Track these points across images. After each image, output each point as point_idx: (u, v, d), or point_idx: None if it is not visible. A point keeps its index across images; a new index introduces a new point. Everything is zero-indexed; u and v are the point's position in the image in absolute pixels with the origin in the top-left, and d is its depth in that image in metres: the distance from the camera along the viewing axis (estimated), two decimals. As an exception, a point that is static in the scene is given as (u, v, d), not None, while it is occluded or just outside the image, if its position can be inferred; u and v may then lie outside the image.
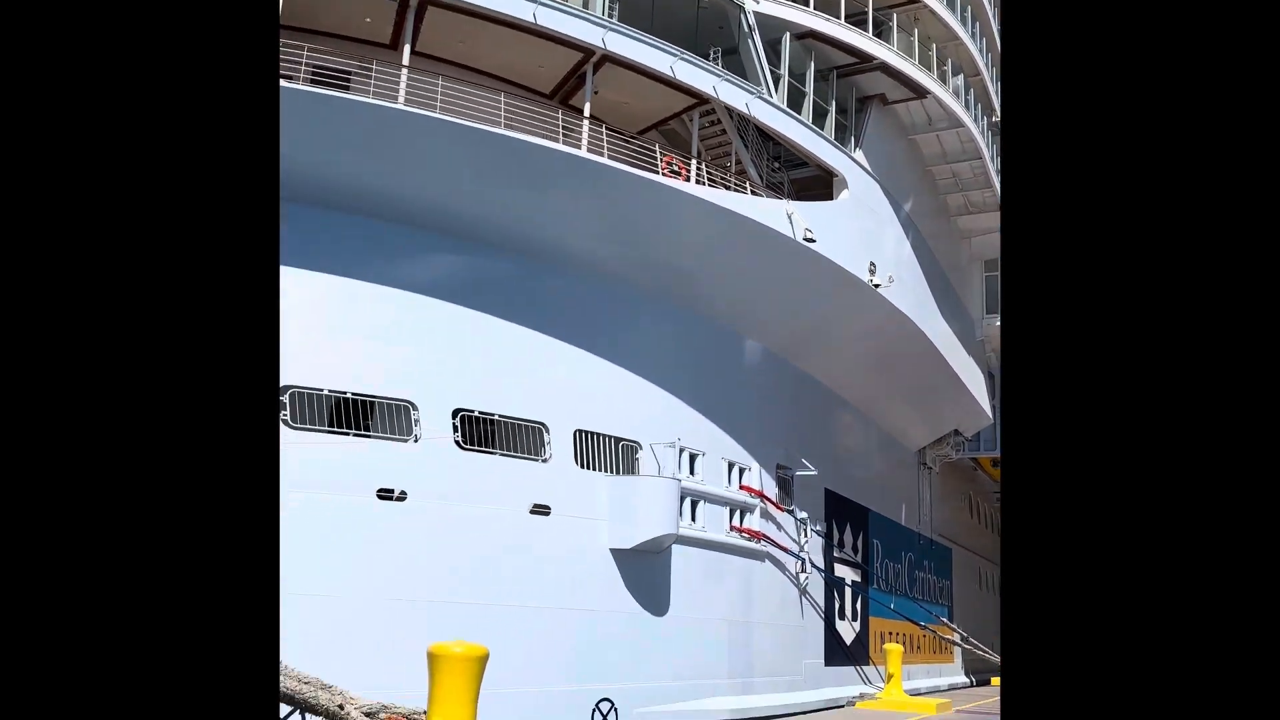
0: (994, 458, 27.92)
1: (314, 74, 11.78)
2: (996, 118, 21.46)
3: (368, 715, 5.59)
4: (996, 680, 25.76)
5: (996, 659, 25.39)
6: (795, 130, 15.16)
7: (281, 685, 5.90)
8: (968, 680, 26.67)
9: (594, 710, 11.59)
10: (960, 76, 19.44)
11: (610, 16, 13.24)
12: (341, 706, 5.62)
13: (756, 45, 14.73)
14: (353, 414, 11.33)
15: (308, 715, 5.90)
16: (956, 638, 24.35)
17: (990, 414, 24.81)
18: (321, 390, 11.25)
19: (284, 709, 6.16)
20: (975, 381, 23.58)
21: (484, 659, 5.55)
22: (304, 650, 6.87)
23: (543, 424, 12.51)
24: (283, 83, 10.85)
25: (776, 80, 15.20)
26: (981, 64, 20.23)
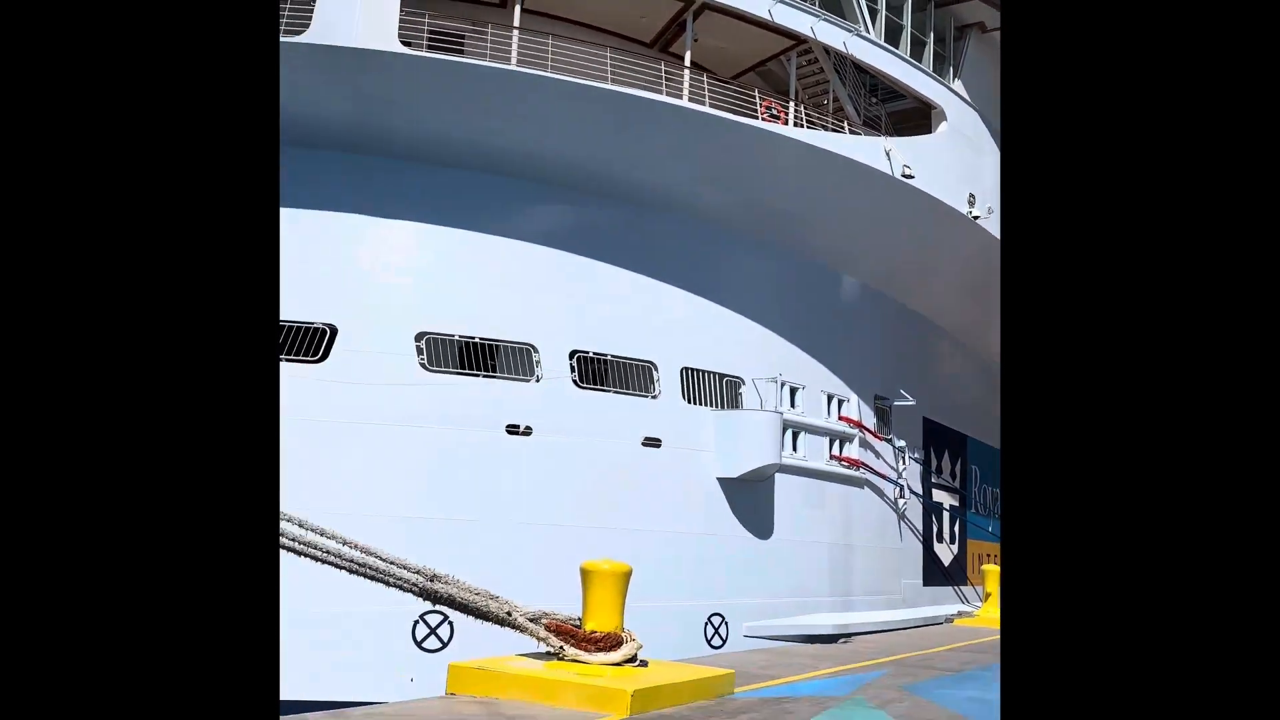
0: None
1: (430, 37, 12.54)
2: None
3: (531, 620, 6.61)
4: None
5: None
6: (893, 65, 15.26)
7: (455, 595, 7.00)
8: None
9: (706, 623, 12.64)
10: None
11: (708, -36, 13.54)
12: (509, 613, 6.65)
13: (854, -17, 14.79)
14: (480, 356, 12.39)
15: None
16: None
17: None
18: (452, 335, 12.32)
19: (455, 614, 7.28)
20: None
21: (629, 574, 6.49)
22: (462, 566, 7.98)
23: (652, 363, 13.35)
24: (405, 49, 11.67)
25: (874, 15, 15.26)
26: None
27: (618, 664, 6.25)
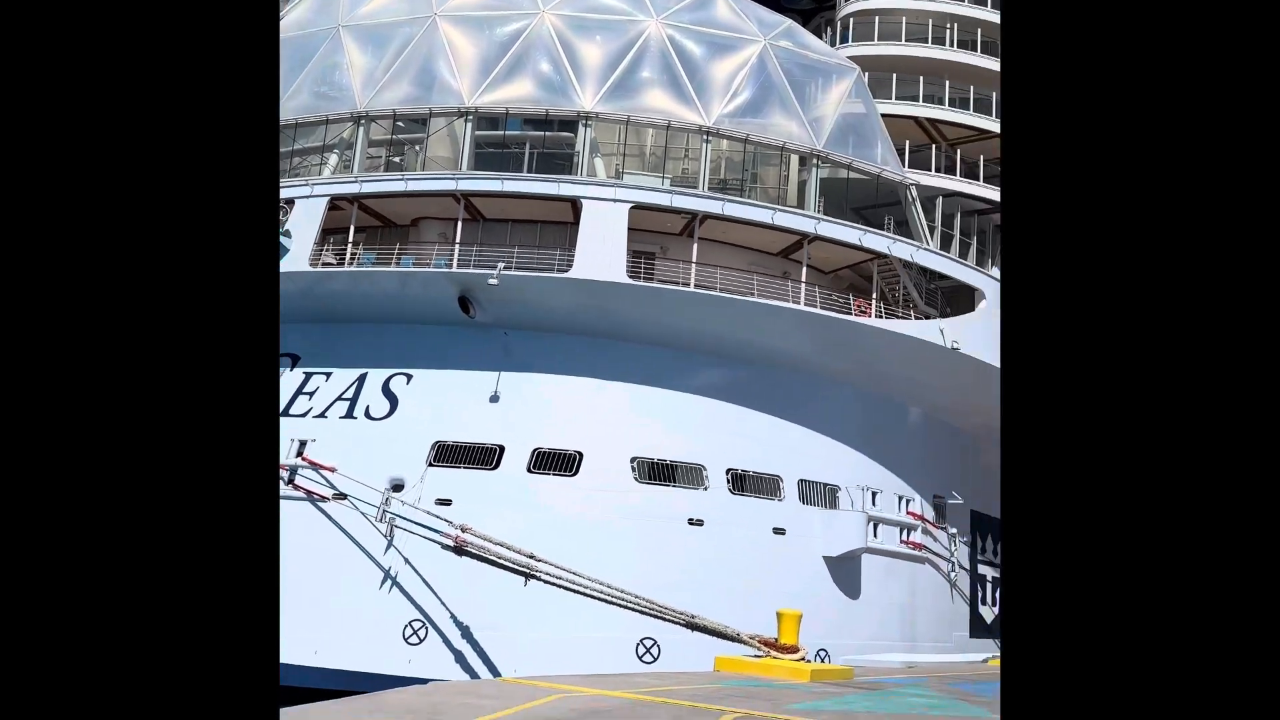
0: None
1: (632, 256, 19.47)
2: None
3: (750, 637, 13.09)
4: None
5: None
6: (945, 265, 21.81)
7: (708, 625, 13.59)
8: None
9: (817, 654, 18.90)
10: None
11: (819, 209, 20.35)
12: (737, 635, 13.17)
13: (918, 213, 21.45)
14: (669, 472, 19.08)
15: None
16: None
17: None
18: (652, 458, 19.05)
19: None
20: (1100, 419, 29.28)
21: (800, 616, 12.96)
22: (687, 602, 14.51)
23: (779, 476, 19.90)
24: (629, 280, 18.52)
25: (932, 230, 21.86)
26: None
27: (798, 660, 12.71)
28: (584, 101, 19.77)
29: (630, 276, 18.66)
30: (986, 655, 23.24)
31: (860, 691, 11.22)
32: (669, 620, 14.53)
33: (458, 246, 19.15)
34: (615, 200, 18.92)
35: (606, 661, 16.47)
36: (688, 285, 19.11)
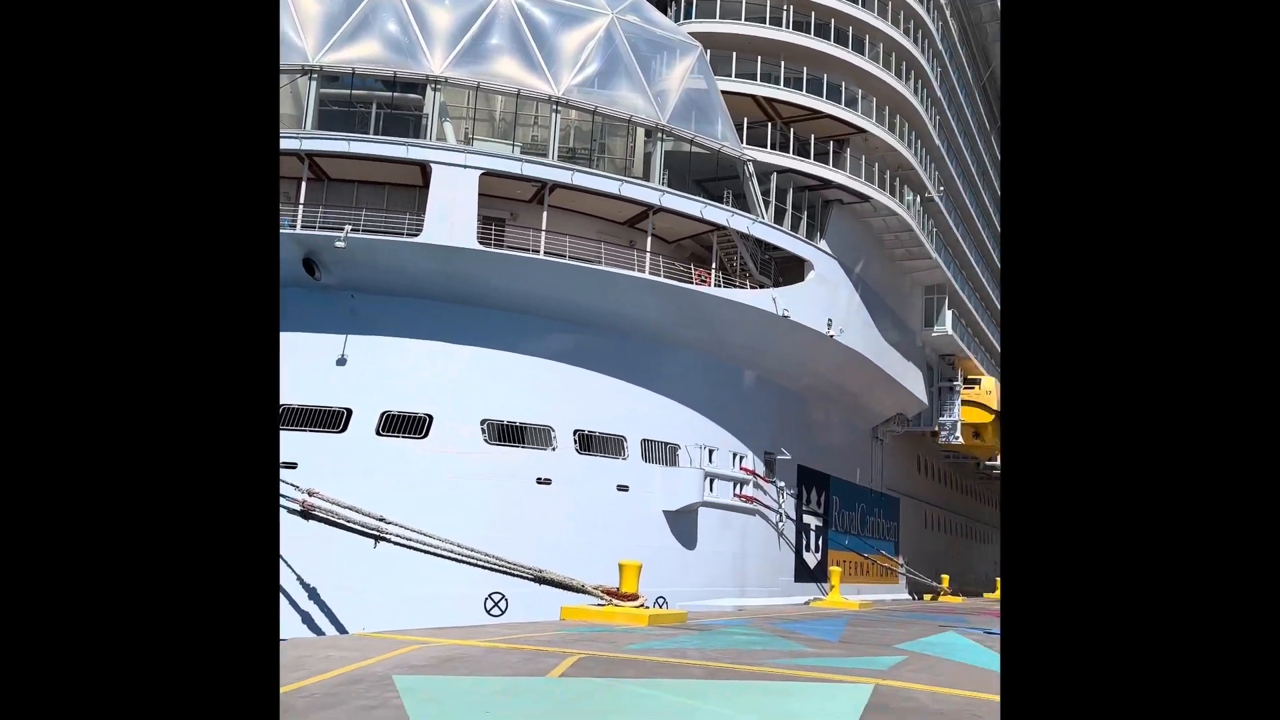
0: (931, 431, 36.55)
1: (482, 220, 19.82)
2: (928, 194, 29.50)
3: (594, 588, 14.05)
4: (928, 596, 34.90)
5: (930, 581, 34.57)
6: (779, 237, 23.31)
7: (555, 578, 14.45)
8: (909, 596, 35.66)
9: (655, 601, 20.22)
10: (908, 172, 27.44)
11: (663, 182, 21.28)
12: (582, 586, 14.11)
13: (755, 189, 22.77)
14: (518, 433, 19.73)
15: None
16: (900, 565, 33.50)
17: (925, 400, 33.36)
18: (501, 420, 19.63)
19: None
20: (913, 380, 32.03)
21: (640, 567, 14.02)
22: (535, 557, 15.36)
23: (623, 436, 20.93)
24: (481, 246, 18.87)
25: (767, 205, 23.26)
26: (913, 160, 28.11)
27: (637, 607, 13.79)
28: (433, 65, 19.76)
29: (481, 243, 19.00)
30: (809, 598, 25.41)
31: (692, 633, 12.41)
32: (517, 575, 15.29)
33: (301, 207, 18.87)
34: (466, 166, 19.14)
35: (456, 617, 17.09)
36: (538, 252, 19.64)
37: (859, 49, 26.23)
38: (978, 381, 37.86)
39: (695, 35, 23.45)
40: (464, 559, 15.84)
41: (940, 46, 32.17)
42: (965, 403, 36.91)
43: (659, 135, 21.50)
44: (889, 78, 26.91)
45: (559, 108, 20.45)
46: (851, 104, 25.59)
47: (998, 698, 8.02)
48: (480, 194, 19.29)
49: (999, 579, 25.23)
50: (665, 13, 24.30)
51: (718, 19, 25.15)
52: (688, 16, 25.30)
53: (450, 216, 18.86)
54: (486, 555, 15.86)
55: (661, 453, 21.58)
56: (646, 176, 21.48)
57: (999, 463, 23.62)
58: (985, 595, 39.06)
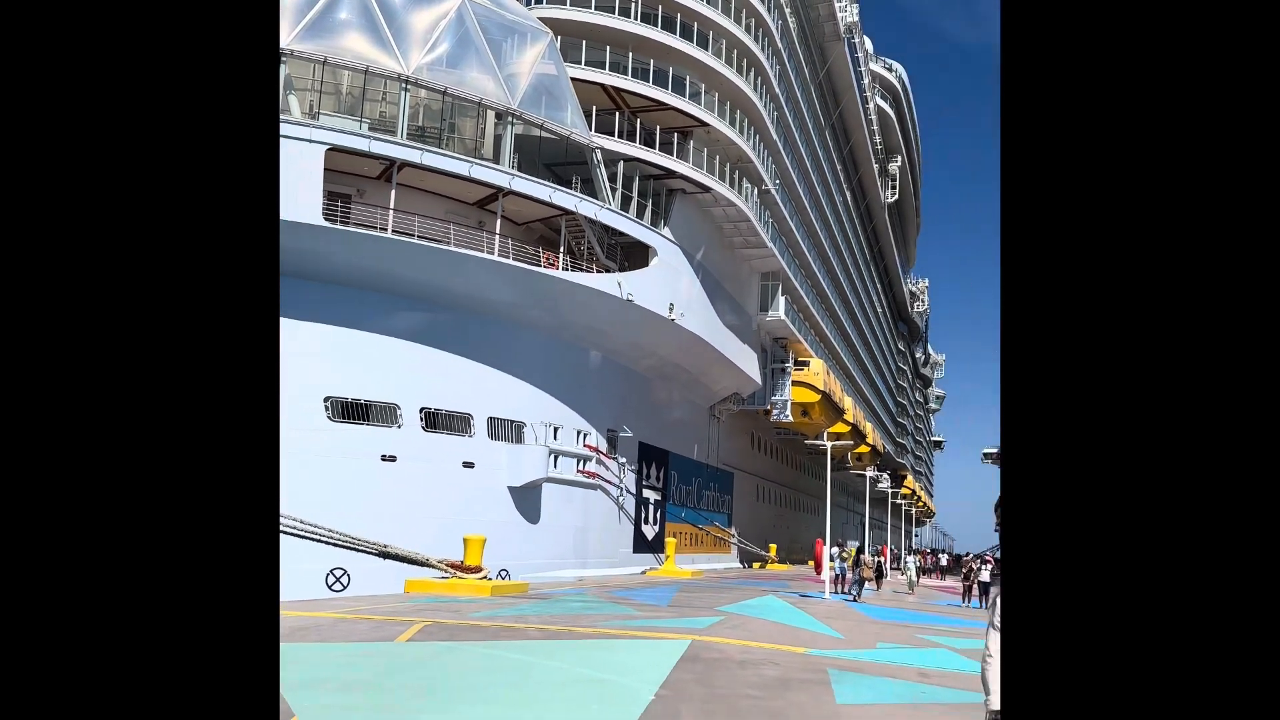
0: (764, 409, 38.73)
1: (327, 195, 19.70)
2: (765, 186, 31.23)
3: (438, 561, 14.56)
4: (757, 565, 37.16)
5: (760, 550, 36.81)
6: (625, 224, 24.21)
7: (401, 553, 14.85)
8: (740, 565, 37.81)
9: (499, 573, 20.87)
10: (743, 167, 28.92)
11: (513, 165, 21.72)
12: (427, 560, 14.59)
13: (602, 175, 23.54)
14: (362, 411, 19.83)
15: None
16: (732, 536, 35.54)
17: (759, 380, 35.39)
18: (345, 398, 19.66)
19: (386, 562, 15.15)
20: (749, 361, 33.89)
21: (484, 540, 14.64)
22: (380, 533, 15.73)
23: (470, 414, 21.37)
24: (327, 223, 18.77)
25: (614, 192, 24.10)
26: (752, 154, 29.68)
27: (481, 579, 14.43)
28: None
29: (327, 219, 18.89)
30: (645, 568, 26.73)
31: (533, 601, 13.20)
32: (361, 550, 15.58)
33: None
34: (311, 141, 18.92)
35: (296, 593, 17.17)
36: (385, 231, 19.70)
37: (704, 44, 27.42)
38: (807, 363, 40.33)
39: (546, 21, 23.92)
40: (304, 534, 15.95)
41: (780, 45, 33.87)
42: (795, 383, 39.28)
43: (509, 119, 21.88)
44: (731, 74, 28.28)
45: (408, 86, 20.48)
46: (696, 98, 26.79)
47: (800, 649, 9.22)
48: (326, 169, 19.14)
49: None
50: (517, -3, 24.60)
51: (568, 6, 25.68)
52: (539, 2, 25.69)
53: (295, 192, 18.63)
54: (330, 531, 16.04)
55: (507, 430, 22.16)
56: (496, 159, 21.85)
57: (824, 441, 25.61)
58: (809, 563, 41.89)
